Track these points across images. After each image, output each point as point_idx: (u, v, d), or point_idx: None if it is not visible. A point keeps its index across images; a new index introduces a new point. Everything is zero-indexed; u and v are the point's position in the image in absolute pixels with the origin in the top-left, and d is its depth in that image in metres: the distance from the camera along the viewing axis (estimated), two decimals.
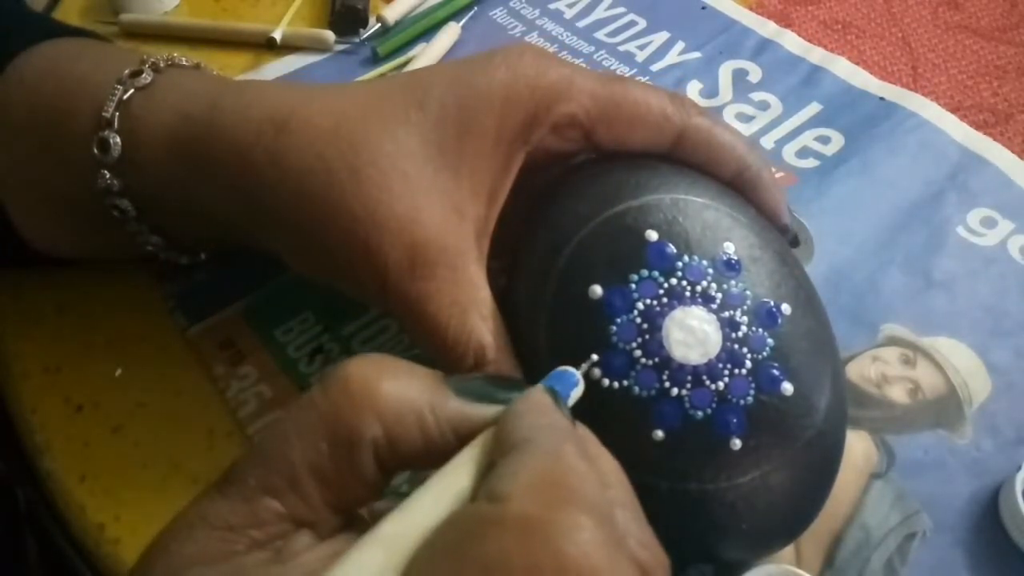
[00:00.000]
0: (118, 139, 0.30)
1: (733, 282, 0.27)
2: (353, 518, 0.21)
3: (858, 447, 0.32)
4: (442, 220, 0.28)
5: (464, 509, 0.18)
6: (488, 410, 0.21)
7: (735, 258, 0.28)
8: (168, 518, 0.31)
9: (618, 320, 0.26)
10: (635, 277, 0.27)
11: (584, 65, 0.47)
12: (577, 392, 0.24)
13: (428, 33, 0.50)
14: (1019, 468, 0.30)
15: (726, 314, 0.27)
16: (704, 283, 0.27)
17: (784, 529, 0.28)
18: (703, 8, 0.50)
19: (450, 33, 0.49)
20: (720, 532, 0.27)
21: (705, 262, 0.27)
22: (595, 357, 0.26)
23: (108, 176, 0.30)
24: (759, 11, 0.49)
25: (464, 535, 0.17)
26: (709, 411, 0.26)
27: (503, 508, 0.17)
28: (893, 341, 0.35)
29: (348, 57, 0.49)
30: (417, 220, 0.27)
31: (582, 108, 0.29)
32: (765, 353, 0.27)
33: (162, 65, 0.31)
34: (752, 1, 0.50)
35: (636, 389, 0.26)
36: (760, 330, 0.27)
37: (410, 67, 0.47)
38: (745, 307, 0.27)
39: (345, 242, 0.28)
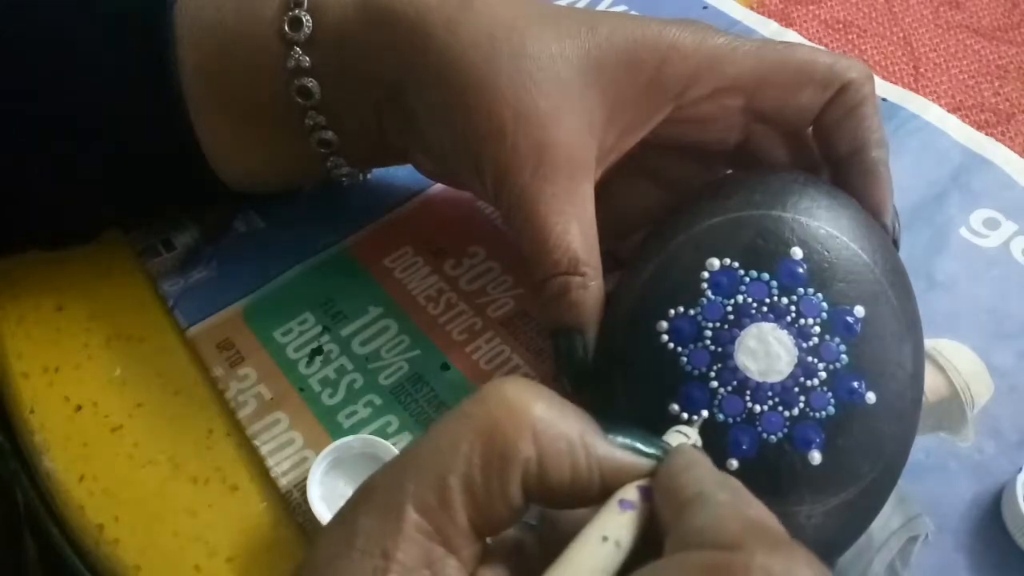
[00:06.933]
0: (308, 17, 0.31)
1: (801, 291, 0.27)
2: (484, 550, 0.21)
3: None
4: (575, 131, 0.29)
5: (691, 555, 0.17)
6: (641, 461, 0.20)
7: (801, 268, 0.27)
8: (167, 518, 0.31)
9: (687, 349, 0.27)
10: (703, 301, 0.27)
11: None
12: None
13: None
14: (1021, 471, 0.30)
15: (797, 326, 0.26)
16: (772, 298, 0.27)
17: (853, 539, 0.28)
18: (705, 8, 0.50)
19: None
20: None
21: (767, 275, 0.27)
22: (705, 414, 0.26)
23: (299, 53, 0.31)
24: (760, 11, 0.49)
25: None
26: (786, 430, 0.25)
27: (737, 556, 0.17)
28: None
29: None
30: (554, 122, 0.29)
31: (747, 70, 0.30)
32: (842, 362, 0.26)
33: None
34: (753, 1, 0.50)
35: (720, 416, 0.26)
36: (835, 339, 0.26)
37: None
38: (818, 317, 0.26)
39: (483, 120, 0.29)
